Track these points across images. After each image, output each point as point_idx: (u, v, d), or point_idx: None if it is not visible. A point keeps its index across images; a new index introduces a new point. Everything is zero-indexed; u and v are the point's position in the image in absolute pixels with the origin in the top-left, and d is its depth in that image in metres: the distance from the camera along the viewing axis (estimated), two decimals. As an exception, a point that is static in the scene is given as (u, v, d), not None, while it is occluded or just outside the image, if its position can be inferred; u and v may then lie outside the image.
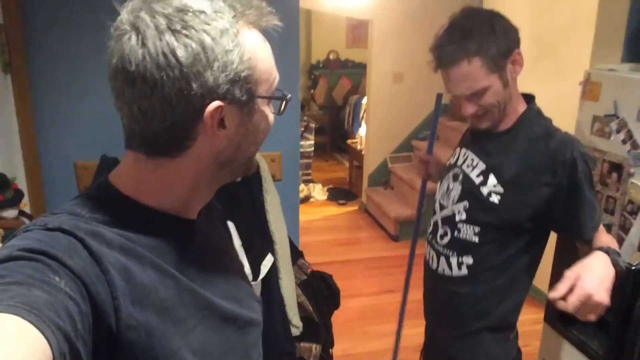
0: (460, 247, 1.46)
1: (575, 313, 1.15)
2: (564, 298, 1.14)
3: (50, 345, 0.49)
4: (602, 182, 2.07)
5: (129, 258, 0.64)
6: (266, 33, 0.73)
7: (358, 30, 7.25)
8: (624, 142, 1.97)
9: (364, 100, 5.77)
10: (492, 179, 1.41)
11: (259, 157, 1.93)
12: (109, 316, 0.59)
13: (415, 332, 2.02)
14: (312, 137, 6.21)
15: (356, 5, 4.42)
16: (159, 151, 0.69)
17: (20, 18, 1.76)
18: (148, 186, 0.71)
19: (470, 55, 1.27)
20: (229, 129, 0.69)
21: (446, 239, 1.49)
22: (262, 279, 1.94)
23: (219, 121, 0.67)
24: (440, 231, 1.51)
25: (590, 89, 2.08)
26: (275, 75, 0.74)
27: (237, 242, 1.85)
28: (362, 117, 6.06)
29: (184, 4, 0.63)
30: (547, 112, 1.51)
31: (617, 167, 2.01)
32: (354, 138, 6.29)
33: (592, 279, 1.16)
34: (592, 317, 1.18)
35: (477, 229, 1.43)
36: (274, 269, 1.99)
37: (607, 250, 1.24)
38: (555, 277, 1.61)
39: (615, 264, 1.22)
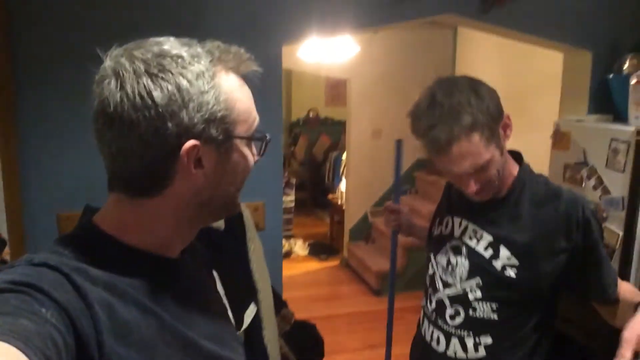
0: (477, 326, 1.33)
1: None
2: None
3: None
4: (576, 227, 2.13)
5: (112, 295, 0.65)
6: (252, 89, 0.76)
7: (337, 89, 7.47)
8: (594, 188, 2.05)
9: (344, 156, 5.88)
10: (504, 251, 1.29)
11: (242, 206, 1.95)
12: (92, 350, 0.59)
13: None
14: (292, 192, 6.26)
15: (334, 65, 4.60)
16: (139, 191, 0.71)
17: (9, 74, 1.80)
18: (130, 226, 0.72)
19: (467, 131, 1.16)
20: (206, 169, 0.71)
21: (459, 319, 1.35)
22: (245, 330, 1.91)
23: (196, 160, 0.69)
24: (450, 311, 1.36)
25: (560, 138, 2.19)
26: (255, 117, 0.76)
27: (220, 291, 1.84)
28: (342, 172, 6.16)
29: (162, 50, 0.68)
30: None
31: (590, 213, 2.08)
32: (335, 193, 6.35)
33: None
34: None
35: (495, 306, 1.31)
36: (257, 319, 1.96)
37: None
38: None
39: None
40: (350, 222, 5.41)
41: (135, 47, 0.69)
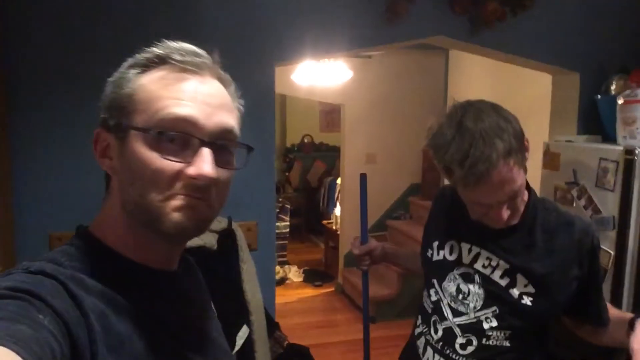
0: (489, 355, 1.31)
1: None
2: None
3: None
4: (569, 247, 2.14)
5: (107, 306, 0.65)
6: (243, 117, 0.75)
7: (331, 115, 7.55)
8: (585, 207, 2.06)
9: (339, 181, 5.90)
10: (521, 279, 1.27)
11: (235, 226, 1.95)
12: (86, 359, 0.59)
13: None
14: (287, 218, 6.24)
15: (328, 90, 4.66)
16: (106, 187, 0.73)
17: (1, 94, 1.82)
18: (107, 229, 0.72)
19: (505, 156, 1.12)
20: (113, 161, 0.70)
21: (470, 348, 1.31)
22: (237, 352, 1.88)
23: (103, 148, 0.71)
24: (461, 340, 1.32)
25: (550, 159, 2.21)
26: (161, 110, 0.66)
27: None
28: (337, 197, 6.16)
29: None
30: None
31: (582, 232, 2.08)
32: (329, 219, 6.34)
33: None
34: None
35: (508, 333, 1.29)
36: (249, 341, 1.94)
37: None
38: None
39: None
40: (345, 247, 5.39)
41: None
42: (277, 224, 6.05)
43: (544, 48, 2.35)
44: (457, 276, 1.34)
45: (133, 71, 0.70)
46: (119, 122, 0.68)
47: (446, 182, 1.43)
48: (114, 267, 0.70)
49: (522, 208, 1.28)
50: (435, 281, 1.40)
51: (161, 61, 0.70)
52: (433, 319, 1.39)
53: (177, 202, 0.67)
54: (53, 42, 1.88)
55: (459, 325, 1.33)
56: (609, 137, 2.18)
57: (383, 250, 1.74)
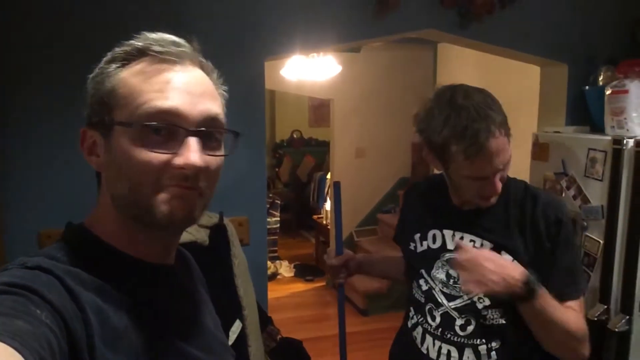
0: (488, 333, 1.33)
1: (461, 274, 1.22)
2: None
3: None
4: (558, 237, 2.16)
5: (103, 300, 0.64)
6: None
7: (320, 110, 7.54)
8: (574, 197, 2.08)
9: (329, 176, 5.90)
10: (506, 257, 1.30)
11: (226, 221, 1.94)
12: (84, 355, 0.59)
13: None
14: (277, 213, 6.24)
15: (317, 85, 4.65)
16: (97, 184, 0.73)
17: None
18: (103, 225, 0.72)
19: (499, 127, 1.20)
20: (101, 158, 0.70)
21: (470, 328, 1.34)
22: (231, 347, 1.88)
23: (90, 146, 0.71)
24: (460, 321, 1.35)
25: (539, 149, 2.23)
26: (143, 104, 0.66)
27: (205, 307, 1.81)
28: (327, 192, 6.17)
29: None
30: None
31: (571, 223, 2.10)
32: (320, 214, 6.34)
33: (491, 258, 1.21)
34: (471, 288, 1.20)
35: (502, 311, 1.32)
36: (242, 335, 1.94)
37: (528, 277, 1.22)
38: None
39: (530, 283, 1.20)
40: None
41: None
42: (268, 219, 6.05)
43: (532, 40, 2.36)
44: (445, 262, 1.37)
45: (113, 65, 0.69)
46: (102, 118, 0.68)
47: (436, 172, 1.45)
48: (111, 261, 0.70)
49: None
50: (423, 271, 1.42)
51: (140, 53, 0.69)
52: (428, 307, 1.40)
53: (166, 193, 0.66)
54: (42, 41, 1.85)
55: (455, 309, 1.35)
56: (597, 128, 2.20)
57: (358, 260, 1.71)
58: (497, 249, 1.31)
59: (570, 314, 1.26)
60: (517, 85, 3.53)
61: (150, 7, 1.93)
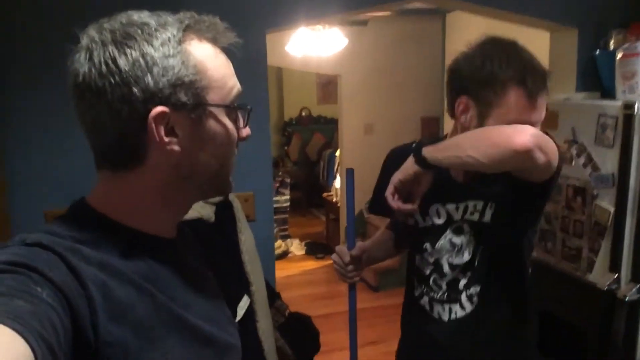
0: (478, 278, 1.37)
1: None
2: None
3: (35, 353, 0.48)
4: (568, 206, 2.13)
5: (107, 275, 0.64)
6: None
7: (328, 87, 7.48)
8: (584, 165, 2.04)
9: (337, 153, 5.88)
10: (496, 208, 1.33)
11: (232, 197, 1.93)
12: (88, 331, 0.59)
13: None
14: (287, 192, 6.24)
15: (324, 60, 4.59)
16: (119, 164, 0.70)
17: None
18: (117, 202, 0.72)
19: (547, 87, 1.24)
20: (181, 138, 0.69)
21: (464, 280, 1.39)
22: (239, 322, 1.89)
23: (168, 129, 0.68)
24: (464, 281, 1.38)
25: (548, 118, 2.18)
26: (232, 87, 0.74)
27: (211, 283, 1.82)
28: (337, 169, 6.14)
29: (129, 20, 0.68)
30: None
31: (581, 191, 2.07)
32: (330, 191, 6.33)
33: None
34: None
35: (489, 264, 1.36)
36: (250, 311, 1.95)
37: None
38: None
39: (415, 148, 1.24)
40: (345, 219, 5.39)
41: (107, 19, 0.69)
42: (278, 198, 6.06)
43: (541, 4, 2.30)
44: (450, 233, 1.39)
45: (183, 46, 0.69)
46: (199, 101, 0.69)
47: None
48: (113, 235, 0.70)
49: None
50: (427, 245, 1.42)
51: (187, 28, 0.70)
52: (433, 277, 1.42)
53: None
54: (45, 19, 1.83)
55: (460, 269, 1.38)
56: (608, 94, 2.15)
57: (367, 252, 1.62)
58: (485, 204, 1.33)
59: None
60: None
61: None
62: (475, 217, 1.35)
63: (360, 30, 4.79)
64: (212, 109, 0.71)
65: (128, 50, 0.65)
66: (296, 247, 5.88)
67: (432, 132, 4.99)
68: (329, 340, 2.41)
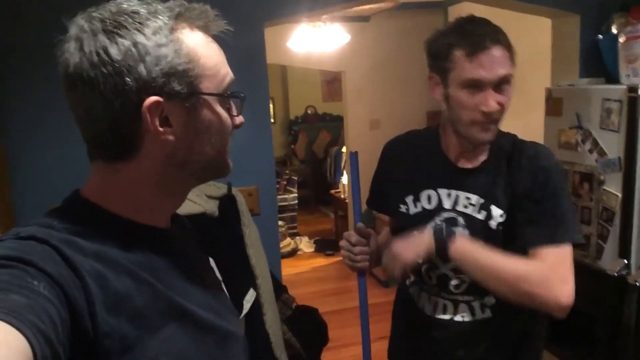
0: (482, 290, 1.31)
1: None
2: None
3: (33, 347, 0.48)
4: (575, 193, 2.11)
5: (103, 265, 0.64)
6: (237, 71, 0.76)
7: (333, 84, 7.47)
8: (590, 151, 2.02)
9: (344, 149, 5.87)
10: (495, 211, 1.30)
11: (236, 191, 1.93)
12: (85, 322, 0.59)
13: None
14: (295, 190, 6.24)
15: (326, 57, 4.58)
16: (113, 155, 0.70)
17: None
18: (112, 193, 0.71)
19: (506, 44, 1.25)
20: (175, 128, 0.69)
21: (464, 286, 1.35)
22: (246, 316, 1.89)
23: (163, 119, 0.68)
24: (455, 281, 1.35)
25: (553, 104, 2.16)
26: (225, 75, 0.74)
27: (218, 278, 1.82)
28: (344, 166, 6.13)
29: (119, 8, 0.67)
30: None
31: (587, 177, 2.05)
32: (337, 188, 6.33)
33: (400, 241, 1.28)
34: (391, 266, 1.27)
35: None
36: (257, 304, 1.95)
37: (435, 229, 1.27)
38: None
39: (437, 233, 1.25)
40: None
41: (95, 8, 0.69)
42: (286, 196, 6.07)
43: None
44: (441, 222, 1.35)
45: (175, 34, 0.68)
46: (193, 89, 0.69)
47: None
48: (109, 226, 0.70)
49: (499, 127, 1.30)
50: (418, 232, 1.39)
51: (178, 16, 0.70)
52: (425, 267, 1.39)
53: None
54: (46, 14, 1.84)
55: (451, 270, 1.34)
56: (612, 78, 2.12)
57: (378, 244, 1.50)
58: (486, 203, 1.30)
59: (517, 259, 1.21)
60: (529, 44, 3.44)
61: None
62: (469, 210, 1.33)
63: (363, 26, 4.77)
64: (206, 97, 0.71)
65: (119, 40, 0.64)
66: (305, 245, 5.89)
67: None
68: (339, 336, 2.40)
